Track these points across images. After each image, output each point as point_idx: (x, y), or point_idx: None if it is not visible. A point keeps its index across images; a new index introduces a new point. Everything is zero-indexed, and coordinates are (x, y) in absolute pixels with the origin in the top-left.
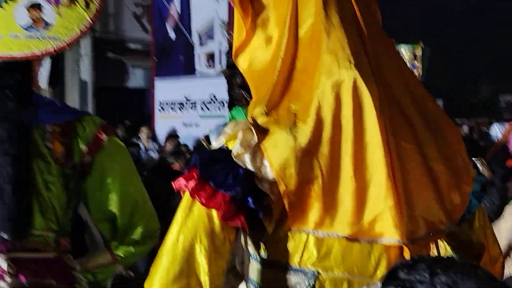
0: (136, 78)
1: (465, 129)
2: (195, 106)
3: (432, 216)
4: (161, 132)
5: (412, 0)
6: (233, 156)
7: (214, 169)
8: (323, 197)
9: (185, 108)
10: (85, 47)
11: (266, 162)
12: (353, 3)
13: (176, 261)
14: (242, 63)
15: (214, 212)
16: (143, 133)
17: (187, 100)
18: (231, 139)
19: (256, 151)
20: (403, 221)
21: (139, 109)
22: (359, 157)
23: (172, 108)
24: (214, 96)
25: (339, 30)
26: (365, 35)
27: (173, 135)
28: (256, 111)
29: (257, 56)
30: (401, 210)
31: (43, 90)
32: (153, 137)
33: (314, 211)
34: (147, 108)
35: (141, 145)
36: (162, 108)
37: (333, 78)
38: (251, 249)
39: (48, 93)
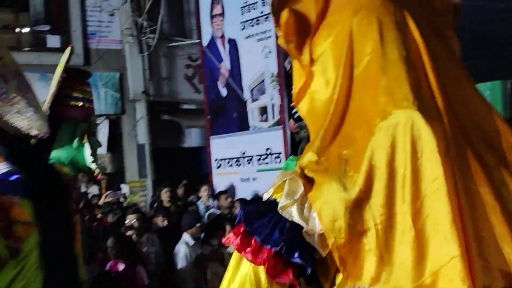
0: (191, 138)
1: None
2: (251, 160)
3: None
4: (220, 188)
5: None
6: (279, 209)
7: (259, 223)
8: (378, 250)
9: (241, 164)
10: (141, 111)
11: (314, 214)
12: (417, 35)
13: None
14: (302, 107)
15: (261, 268)
16: (204, 191)
17: (243, 155)
18: (278, 190)
19: (304, 203)
20: (474, 273)
21: (196, 167)
22: (418, 205)
23: (229, 164)
24: (269, 149)
25: (398, 67)
26: (432, 70)
27: (223, 192)
28: (305, 159)
29: (316, 99)
30: (470, 262)
31: (103, 155)
32: (212, 195)
33: (369, 266)
34: (204, 166)
35: (199, 204)
36: (219, 165)
37: (388, 120)
38: None
39: (107, 158)
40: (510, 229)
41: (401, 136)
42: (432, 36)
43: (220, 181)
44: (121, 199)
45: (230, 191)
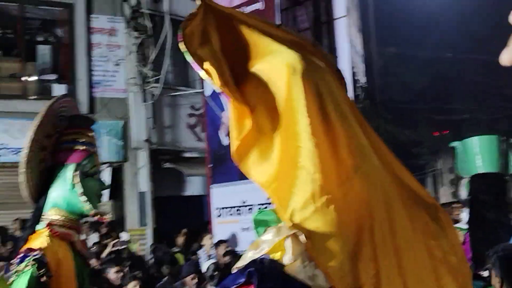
0: (192, 186)
1: None
2: (252, 210)
3: None
4: (220, 237)
5: None
6: (285, 269)
7: (269, 287)
8: None
9: (242, 212)
10: (143, 159)
11: (317, 271)
12: (342, 96)
13: None
14: (256, 175)
15: None
16: (207, 240)
17: (244, 204)
18: (276, 248)
19: (306, 260)
20: None
21: (197, 216)
22: (398, 259)
23: (229, 213)
24: (270, 199)
25: (352, 124)
26: (364, 126)
27: (223, 241)
28: (296, 213)
29: (266, 158)
30: None
31: (105, 203)
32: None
33: None
34: (206, 214)
35: (200, 253)
36: (219, 214)
37: (360, 172)
38: None
39: (109, 206)
40: (453, 278)
41: (376, 190)
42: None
43: (220, 230)
44: (122, 247)
45: (231, 240)
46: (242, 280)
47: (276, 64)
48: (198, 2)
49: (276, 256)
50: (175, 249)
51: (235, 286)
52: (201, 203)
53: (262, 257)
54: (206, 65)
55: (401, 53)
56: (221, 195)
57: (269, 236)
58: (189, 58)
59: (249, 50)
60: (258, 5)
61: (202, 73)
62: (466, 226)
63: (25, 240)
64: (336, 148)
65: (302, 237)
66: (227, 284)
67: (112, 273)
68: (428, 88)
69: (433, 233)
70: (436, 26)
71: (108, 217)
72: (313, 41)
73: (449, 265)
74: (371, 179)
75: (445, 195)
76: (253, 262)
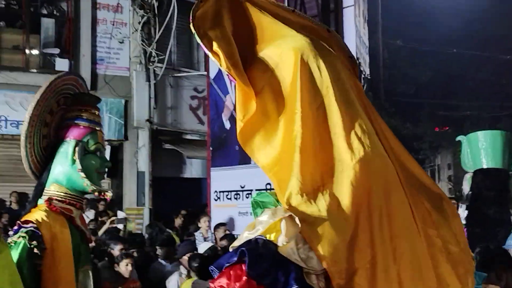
0: (192, 168)
1: None
2: (250, 195)
3: None
4: (217, 221)
5: None
6: (278, 250)
7: (262, 267)
8: (370, 286)
9: (240, 197)
10: (143, 139)
11: (311, 254)
12: (354, 83)
13: None
14: (260, 158)
15: None
16: (204, 223)
17: (243, 188)
18: (271, 229)
19: (301, 242)
20: None
21: (196, 198)
22: (394, 245)
23: (227, 197)
24: (269, 184)
25: (354, 107)
26: (371, 113)
27: (222, 224)
28: (293, 196)
29: (270, 142)
30: None
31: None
32: (209, 226)
33: None
34: (204, 197)
35: (196, 235)
36: (218, 197)
37: (359, 155)
38: None
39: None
40: (452, 267)
41: (376, 175)
42: (358, 85)
43: (218, 213)
44: (120, 227)
45: (228, 224)
46: (235, 259)
47: (285, 49)
48: None
49: (270, 237)
50: (171, 231)
51: (228, 264)
52: (199, 186)
53: (256, 237)
54: (215, 46)
55: (406, 46)
56: (220, 179)
57: (265, 217)
58: (198, 39)
59: (260, 34)
60: None
61: (210, 55)
62: (464, 222)
63: (26, 214)
64: (330, 135)
65: (297, 220)
66: (221, 263)
67: (117, 251)
68: (431, 83)
69: (434, 222)
70: (442, 22)
71: (110, 195)
72: (327, 27)
73: (449, 255)
74: (372, 166)
75: (443, 191)
76: (248, 242)
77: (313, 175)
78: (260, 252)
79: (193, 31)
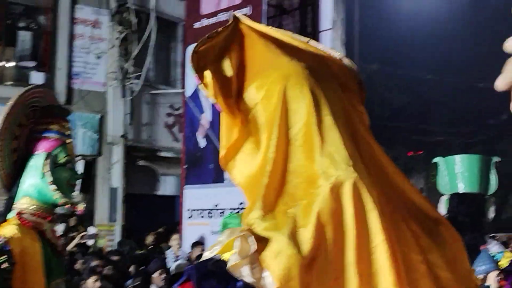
0: (166, 186)
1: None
2: (223, 213)
3: None
4: (190, 239)
5: None
6: (229, 268)
7: (210, 283)
8: None
9: (213, 216)
10: (117, 154)
11: (265, 273)
12: (344, 104)
13: None
14: (236, 175)
15: None
16: (175, 241)
17: (216, 207)
18: (227, 249)
19: (254, 262)
20: None
21: (169, 216)
22: (365, 264)
23: (200, 215)
24: (242, 204)
25: (334, 132)
26: (358, 136)
27: (200, 243)
28: (252, 217)
29: (248, 162)
30: None
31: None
32: (179, 245)
33: None
34: (176, 215)
35: (167, 254)
36: (191, 215)
37: (331, 180)
38: None
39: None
40: None
41: (345, 196)
42: (350, 105)
43: (190, 231)
44: (90, 243)
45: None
46: (183, 278)
47: (274, 77)
48: (230, 20)
49: (225, 256)
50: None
51: (177, 284)
52: (173, 203)
53: (211, 257)
54: (208, 79)
55: (382, 70)
56: (194, 197)
57: (223, 236)
58: (194, 71)
59: (261, 63)
60: (245, 11)
61: (200, 85)
62: None
63: None
64: (304, 160)
65: (251, 239)
66: (176, 283)
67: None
68: (406, 108)
69: (422, 247)
70: (419, 47)
71: (82, 207)
72: (341, 56)
73: (436, 279)
74: (343, 191)
75: None
76: (199, 262)
77: (278, 198)
78: (209, 269)
79: (191, 63)
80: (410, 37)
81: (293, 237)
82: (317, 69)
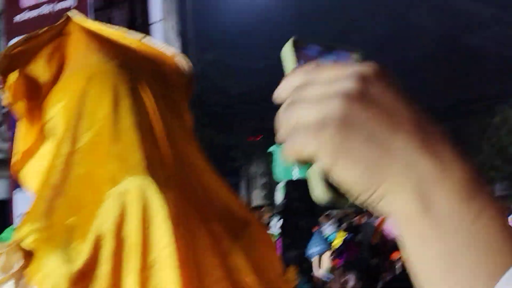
0: None
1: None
2: None
3: None
4: None
5: None
6: None
7: None
8: None
9: None
10: None
11: None
12: (151, 104)
13: None
14: (30, 182)
15: None
16: None
17: None
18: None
19: (21, 278)
20: None
21: (1, 222)
22: (147, 274)
23: None
24: None
25: (131, 134)
26: (165, 139)
27: None
28: (24, 229)
29: (41, 168)
30: None
31: None
32: None
33: None
34: (8, 221)
35: None
36: None
37: (118, 187)
38: None
39: None
40: None
41: (131, 203)
42: (165, 107)
43: None
44: None
45: None
46: None
47: (78, 78)
48: (61, 19)
49: None
50: None
51: None
52: (4, 208)
53: None
54: (9, 83)
55: (218, 60)
56: (27, 201)
57: None
58: None
59: (76, 63)
60: (69, 3)
61: (0, 89)
62: (278, 231)
63: None
64: (93, 166)
65: (18, 254)
66: None
67: None
68: (244, 95)
69: (222, 250)
70: (251, 38)
71: None
72: (174, 53)
73: (237, 285)
74: (129, 197)
75: (257, 199)
76: None
77: (59, 207)
78: None
79: None
80: (245, 25)
81: (66, 251)
82: (136, 68)
